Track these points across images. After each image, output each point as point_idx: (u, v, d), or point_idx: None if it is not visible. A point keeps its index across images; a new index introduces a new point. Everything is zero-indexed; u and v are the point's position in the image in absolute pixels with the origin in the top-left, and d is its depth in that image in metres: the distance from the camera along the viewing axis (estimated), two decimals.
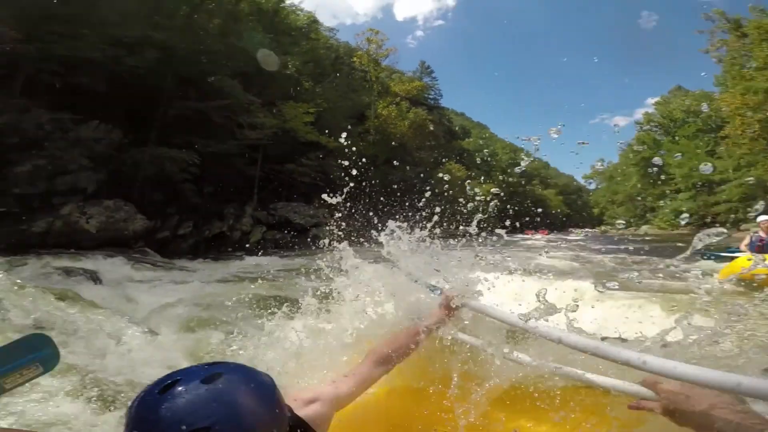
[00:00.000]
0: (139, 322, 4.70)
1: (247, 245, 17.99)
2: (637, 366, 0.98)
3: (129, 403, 0.76)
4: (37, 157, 14.43)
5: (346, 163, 2.59)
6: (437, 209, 1.98)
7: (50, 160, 14.74)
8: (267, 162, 19.80)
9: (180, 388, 0.75)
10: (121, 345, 3.98)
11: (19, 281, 4.97)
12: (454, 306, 1.58)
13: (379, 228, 1.95)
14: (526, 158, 2.33)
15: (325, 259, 2.08)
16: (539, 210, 47.18)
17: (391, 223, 1.96)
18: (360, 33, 40.49)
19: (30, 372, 1.74)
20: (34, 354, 1.78)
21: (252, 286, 7.81)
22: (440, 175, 38.32)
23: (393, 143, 33.58)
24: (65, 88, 14.33)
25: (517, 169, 3.05)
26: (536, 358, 1.34)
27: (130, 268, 10.76)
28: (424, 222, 1.94)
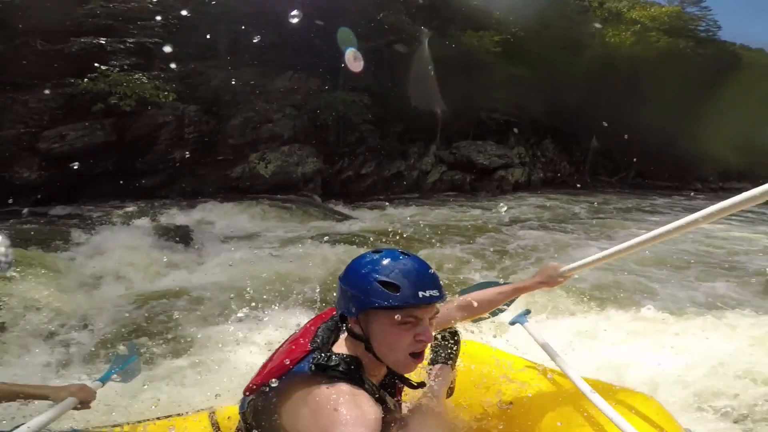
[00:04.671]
0: None
1: (424, 186, 17.45)
2: None
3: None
4: (245, 111, 16.78)
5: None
6: None
7: (257, 112, 16.97)
8: (451, 97, 18.46)
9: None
10: None
11: None
12: (556, 274, 1.62)
13: None
14: None
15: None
16: None
17: None
18: None
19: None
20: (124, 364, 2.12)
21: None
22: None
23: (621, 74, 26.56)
24: (251, 45, 15.83)
25: None
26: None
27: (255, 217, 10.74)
28: None
